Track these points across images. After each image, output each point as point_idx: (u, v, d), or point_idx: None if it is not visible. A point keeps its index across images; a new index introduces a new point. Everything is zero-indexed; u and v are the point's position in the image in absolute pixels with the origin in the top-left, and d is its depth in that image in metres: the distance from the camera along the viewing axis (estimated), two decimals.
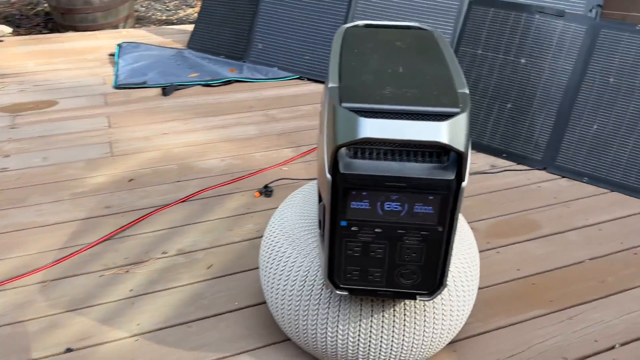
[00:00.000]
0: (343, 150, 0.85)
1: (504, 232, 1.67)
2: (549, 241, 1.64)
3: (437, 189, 0.85)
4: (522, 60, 1.99)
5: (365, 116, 0.82)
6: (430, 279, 0.94)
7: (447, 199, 0.86)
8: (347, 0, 2.65)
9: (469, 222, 1.72)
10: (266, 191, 1.79)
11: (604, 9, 2.34)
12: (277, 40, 2.78)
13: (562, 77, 1.95)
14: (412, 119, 0.82)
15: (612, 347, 1.28)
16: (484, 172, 1.99)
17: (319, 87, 2.68)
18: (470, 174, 1.97)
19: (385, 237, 0.90)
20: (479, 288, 1.45)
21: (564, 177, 1.96)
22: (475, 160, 2.05)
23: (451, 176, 0.85)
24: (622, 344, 1.29)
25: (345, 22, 2.65)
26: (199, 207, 1.74)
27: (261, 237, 1.61)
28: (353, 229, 0.90)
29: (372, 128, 0.81)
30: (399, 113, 0.83)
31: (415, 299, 0.97)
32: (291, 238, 1.14)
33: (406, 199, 0.87)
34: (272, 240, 1.18)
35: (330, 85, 0.91)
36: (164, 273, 1.48)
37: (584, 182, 1.93)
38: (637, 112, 1.84)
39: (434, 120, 0.82)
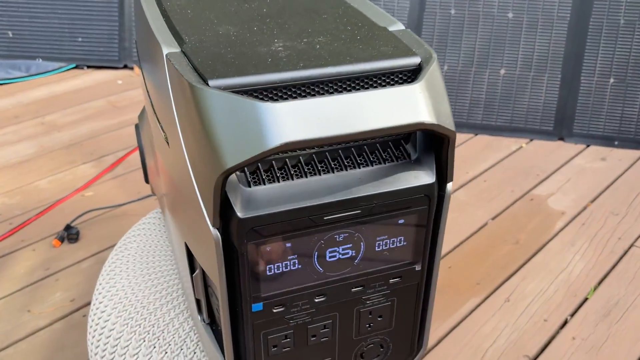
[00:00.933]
0: (233, 176, 0.42)
1: None
2: None
3: (412, 205, 0.47)
4: None
5: (274, 98, 0.40)
6: (405, 345, 0.57)
7: (427, 218, 0.49)
8: None
9: None
10: (69, 235, 1.24)
11: None
12: (34, 23, 2.11)
13: (401, 16, 1.69)
14: (357, 89, 0.43)
15: (565, 323, 1.06)
16: None
17: (108, 75, 2.09)
18: None
19: (332, 306, 0.50)
20: None
21: None
22: None
23: (431, 178, 0.47)
24: (572, 314, 1.08)
25: None
26: None
27: (81, 308, 1.09)
28: (277, 310, 0.48)
29: (293, 121, 0.39)
30: (326, 82, 0.42)
31: None
32: (142, 327, 0.67)
33: (361, 235, 0.47)
34: (110, 335, 0.70)
35: (165, 50, 0.46)
36: None
37: None
38: (485, 45, 1.66)
39: (395, 83, 0.43)
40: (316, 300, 0.49)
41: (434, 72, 0.44)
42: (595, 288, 1.14)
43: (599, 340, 1.01)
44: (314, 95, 0.42)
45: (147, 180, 0.94)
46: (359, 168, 0.46)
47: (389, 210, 0.47)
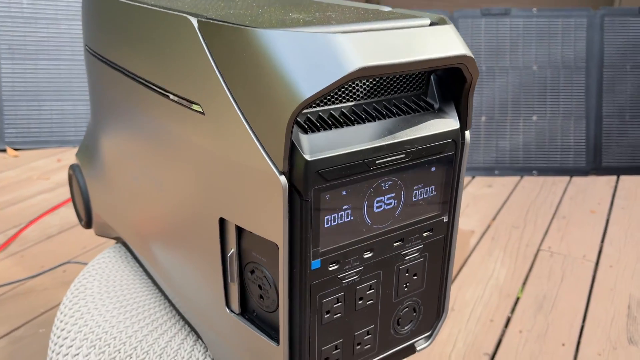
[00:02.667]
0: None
1: None
2: None
3: (443, 150, 0.51)
4: None
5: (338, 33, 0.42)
6: (433, 308, 0.58)
7: (453, 165, 0.52)
8: None
9: None
10: None
11: None
12: None
13: None
14: (398, 27, 0.46)
15: (509, 320, 1.13)
16: None
17: None
18: None
19: (377, 264, 0.51)
20: None
21: None
22: None
23: (456, 124, 0.51)
24: (512, 311, 1.15)
25: None
26: None
27: None
28: (332, 268, 0.47)
29: (364, 49, 0.41)
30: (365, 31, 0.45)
31: (414, 351, 0.59)
32: (134, 356, 0.61)
33: (402, 183, 0.49)
34: None
35: (194, 20, 0.46)
36: None
37: None
38: None
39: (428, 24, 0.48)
40: (365, 256, 0.49)
41: (450, 26, 0.49)
42: (522, 288, 1.23)
43: (542, 329, 1.09)
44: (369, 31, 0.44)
45: (89, 225, 0.87)
46: (395, 117, 0.49)
47: (425, 156, 0.49)
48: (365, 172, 0.46)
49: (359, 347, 0.52)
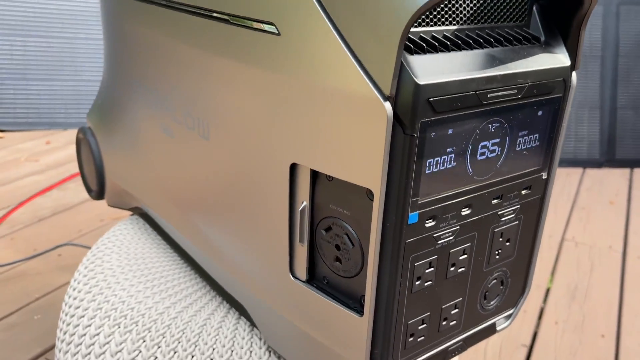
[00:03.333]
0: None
1: None
2: None
3: (552, 90, 0.43)
4: None
5: None
6: (519, 282, 0.50)
7: (559, 111, 0.45)
8: None
9: None
10: None
11: None
12: None
13: None
14: None
15: (542, 311, 1.06)
16: None
17: None
18: None
19: (474, 224, 0.43)
20: None
21: None
22: None
23: (567, 60, 0.44)
24: (544, 301, 1.09)
25: None
26: None
27: None
28: (429, 224, 0.39)
29: None
30: None
31: (494, 332, 0.51)
32: (168, 335, 0.52)
33: (508, 127, 0.41)
34: (124, 357, 0.52)
35: None
36: None
37: None
38: None
39: None
40: (462, 213, 0.41)
41: None
42: (552, 278, 1.17)
43: (578, 319, 1.02)
44: None
45: (100, 195, 0.77)
46: (502, 46, 0.41)
47: (536, 95, 0.42)
48: (475, 106, 0.38)
49: (444, 322, 0.45)
